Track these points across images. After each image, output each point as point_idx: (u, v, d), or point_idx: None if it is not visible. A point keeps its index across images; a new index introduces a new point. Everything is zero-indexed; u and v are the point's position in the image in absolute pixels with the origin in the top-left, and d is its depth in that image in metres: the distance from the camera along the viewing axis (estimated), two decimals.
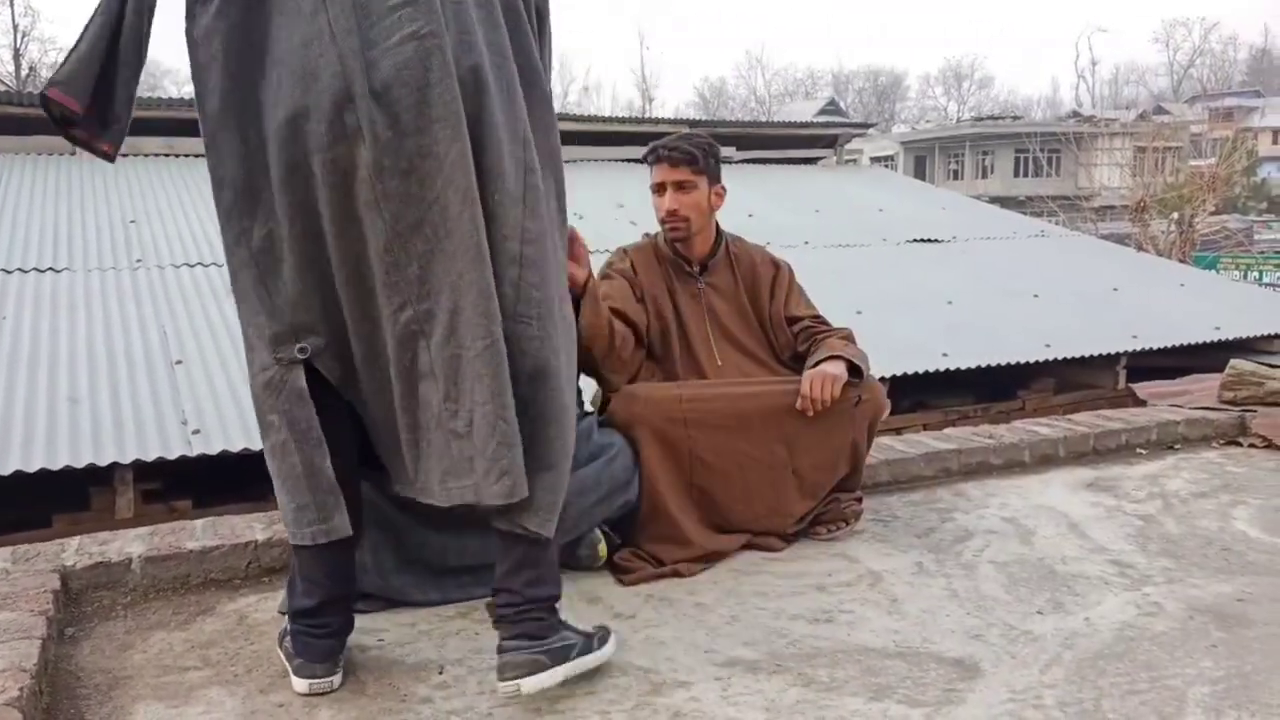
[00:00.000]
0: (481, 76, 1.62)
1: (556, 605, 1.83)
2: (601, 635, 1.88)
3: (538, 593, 1.78)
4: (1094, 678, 1.86)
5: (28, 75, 33.34)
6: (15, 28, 34.51)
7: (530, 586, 1.78)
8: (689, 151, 2.72)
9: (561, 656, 1.76)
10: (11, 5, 34.16)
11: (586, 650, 1.81)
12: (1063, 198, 24.16)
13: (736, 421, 2.54)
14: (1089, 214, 23.55)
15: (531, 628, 1.76)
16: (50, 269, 6.22)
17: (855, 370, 2.62)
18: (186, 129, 7.94)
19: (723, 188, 2.83)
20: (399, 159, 1.57)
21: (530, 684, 1.72)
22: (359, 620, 2.12)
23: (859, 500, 2.73)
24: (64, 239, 6.65)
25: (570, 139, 10.09)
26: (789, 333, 2.84)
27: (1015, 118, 44.73)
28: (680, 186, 2.74)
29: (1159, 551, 2.56)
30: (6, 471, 4.08)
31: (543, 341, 1.71)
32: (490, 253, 1.64)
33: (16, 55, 34.37)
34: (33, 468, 4.15)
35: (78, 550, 2.34)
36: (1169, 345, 7.12)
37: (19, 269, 6.14)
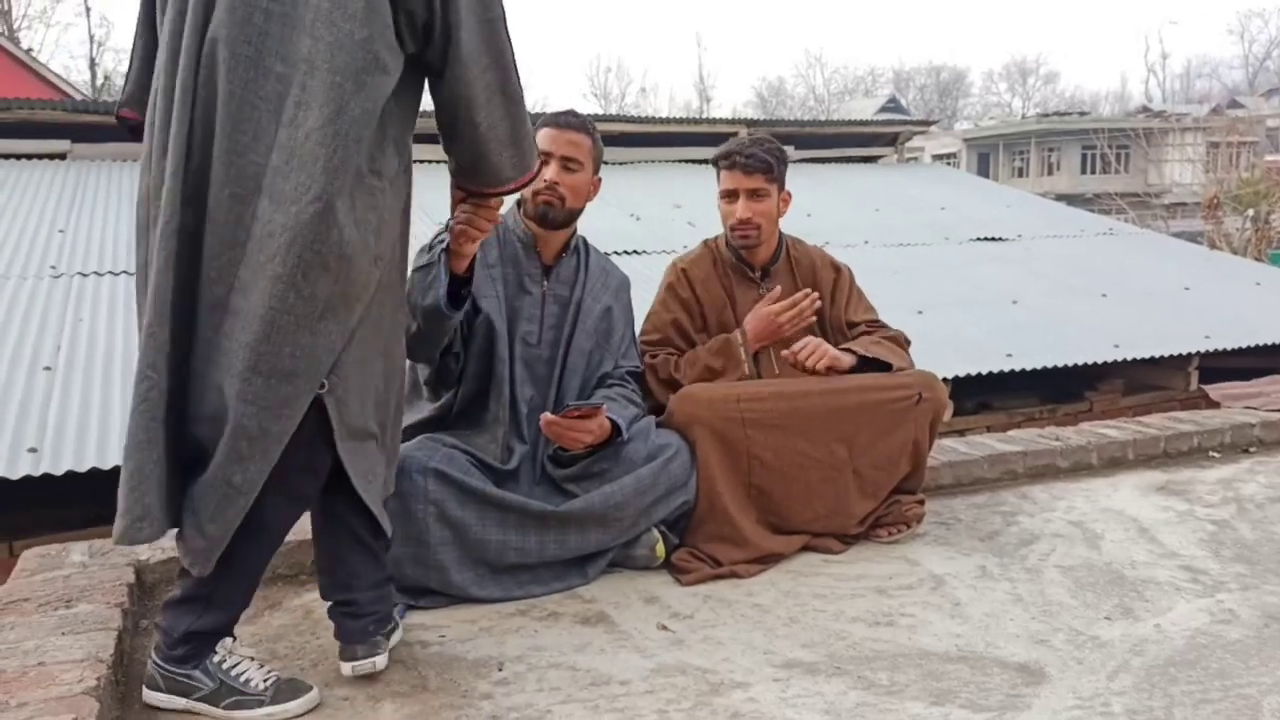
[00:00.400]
0: (208, 121, 1.60)
1: (203, 649, 1.75)
2: (239, 701, 1.73)
3: (170, 614, 1.76)
4: (1165, 685, 1.82)
5: (103, 84, 34.41)
6: (91, 38, 35.72)
7: (172, 601, 1.77)
8: (764, 159, 2.69)
9: (172, 687, 1.75)
10: (88, 17, 35.30)
11: (205, 698, 1.74)
12: (1132, 195, 23.62)
13: (795, 421, 2.53)
14: (1159, 211, 22.99)
15: (160, 633, 1.77)
16: (125, 272, 6.40)
17: (871, 364, 2.63)
18: None
19: (789, 194, 2.80)
20: (152, 195, 1.64)
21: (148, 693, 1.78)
22: (421, 617, 2.16)
23: (921, 502, 2.69)
24: None
25: (627, 140, 10.19)
26: (848, 338, 2.81)
27: (1082, 113, 43.78)
28: (754, 194, 2.70)
29: (1233, 557, 2.49)
30: (83, 469, 4.21)
31: (220, 392, 1.61)
32: (196, 296, 1.62)
33: (92, 65, 35.50)
34: (107, 465, 4.28)
35: (151, 545, 2.40)
36: (1243, 346, 6.89)
37: (94, 272, 6.33)
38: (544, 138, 2.47)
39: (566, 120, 2.52)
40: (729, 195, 2.74)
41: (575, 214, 2.54)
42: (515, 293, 2.50)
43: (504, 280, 2.49)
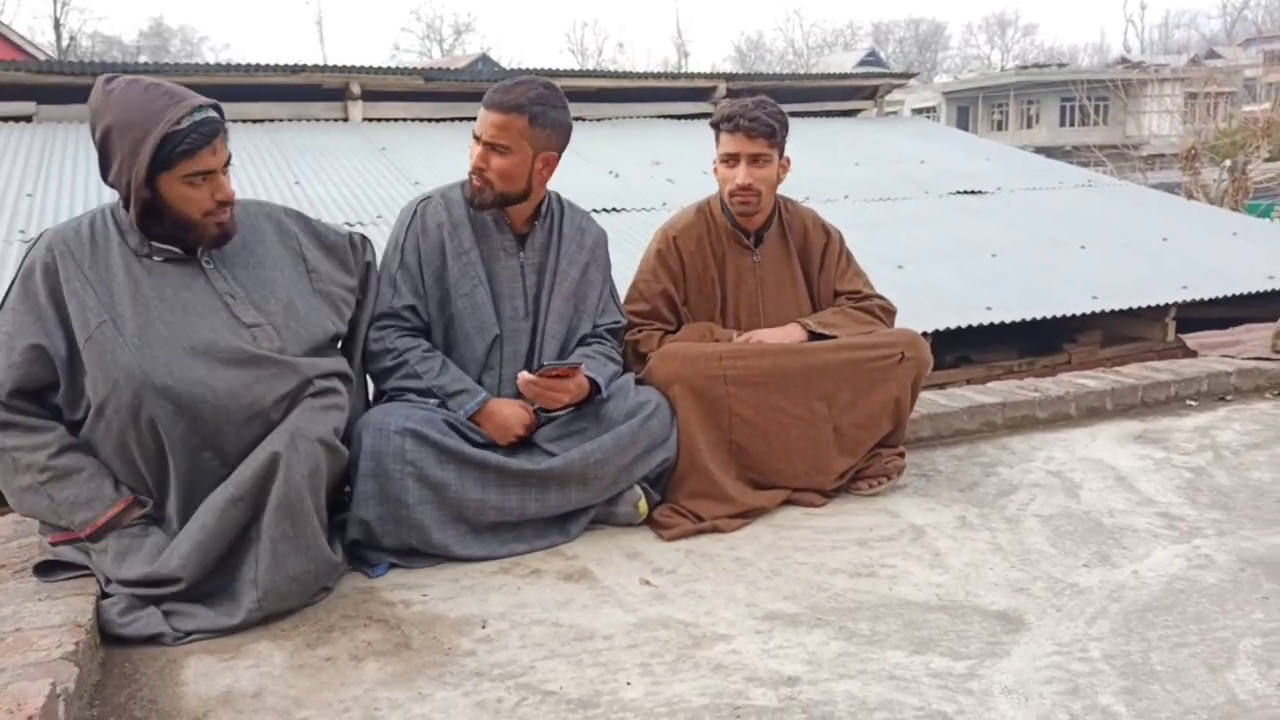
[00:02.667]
0: None
1: None
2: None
3: None
4: (1142, 630, 1.84)
5: (69, 45, 33.72)
6: None
7: None
8: (768, 123, 2.62)
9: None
10: None
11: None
12: (1111, 147, 23.64)
13: (776, 378, 2.52)
14: (1138, 163, 23.02)
15: None
16: None
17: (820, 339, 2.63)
18: (232, 94, 7.99)
19: (788, 160, 2.75)
20: None
21: None
22: (404, 576, 2.15)
23: (901, 455, 2.70)
24: None
25: (605, 96, 10.08)
26: (832, 305, 2.80)
27: (1061, 65, 43.63)
28: (755, 160, 2.64)
29: (1210, 504, 2.52)
30: None
31: None
32: None
33: (57, 25, 34.74)
34: None
35: None
36: (1220, 295, 6.95)
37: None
38: (479, 114, 2.41)
39: (499, 99, 2.38)
40: (729, 159, 2.66)
41: (514, 196, 2.43)
42: (494, 269, 2.46)
43: (482, 259, 2.45)
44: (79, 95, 8.06)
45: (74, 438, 2.01)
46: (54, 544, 2.00)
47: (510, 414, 2.36)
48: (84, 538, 1.97)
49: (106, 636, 1.85)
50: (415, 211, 2.48)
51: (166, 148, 1.93)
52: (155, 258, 2.05)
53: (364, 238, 2.39)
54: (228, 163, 2.05)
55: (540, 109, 2.39)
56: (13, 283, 2.03)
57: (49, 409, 2.01)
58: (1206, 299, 6.91)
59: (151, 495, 2.01)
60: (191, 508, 1.95)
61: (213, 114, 2.00)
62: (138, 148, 1.93)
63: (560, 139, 2.46)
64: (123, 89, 1.98)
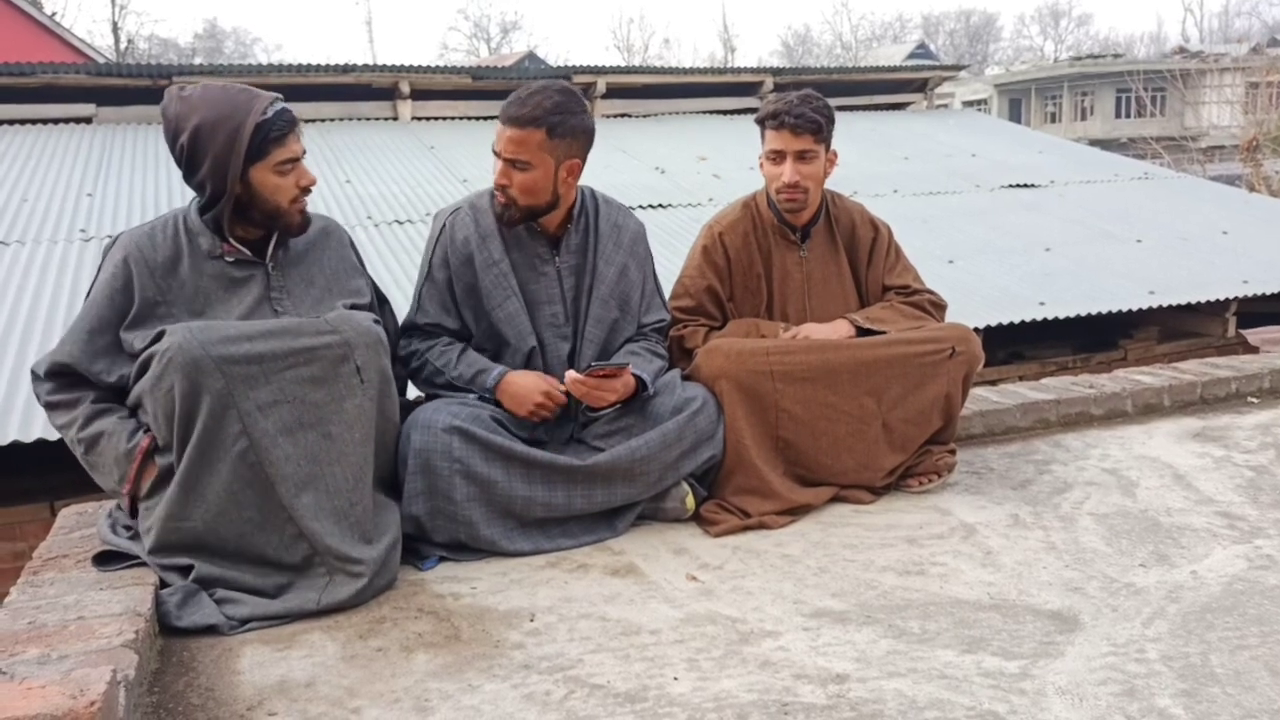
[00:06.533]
0: None
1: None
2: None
3: None
4: (1201, 631, 1.80)
5: (126, 47, 34.49)
6: (113, 2, 35.63)
7: None
8: (814, 119, 2.60)
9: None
10: None
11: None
12: (1168, 138, 23.13)
13: (824, 374, 2.50)
14: (1196, 155, 22.49)
15: None
16: None
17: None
18: (285, 94, 8.09)
19: (835, 154, 2.72)
20: None
21: None
22: (453, 569, 2.17)
23: (952, 452, 2.66)
24: (164, 205, 6.87)
25: (651, 92, 10.06)
26: (882, 300, 2.77)
27: (1117, 55, 42.80)
28: (802, 156, 2.62)
29: (1272, 503, 2.45)
30: None
31: None
32: None
33: (115, 28, 35.53)
34: None
35: None
36: None
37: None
38: (496, 129, 2.37)
39: (514, 113, 2.33)
40: (775, 156, 2.64)
41: (541, 209, 2.41)
42: (529, 277, 2.45)
43: (515, 269, 2.44)
44: (137, 97, 8.23)
45: (100, 404, 2.09)
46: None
47: (525, 384, 2.36)
48: (126, 495, 2.04)
49: (164, 627, 1.89)
50: (444, 225, 2.48)
51: (258, 136, 2.05)
52: (228, 259, 2.14)
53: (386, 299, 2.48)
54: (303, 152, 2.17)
55: (558, 119, 2.33)
56: (94, 281, 2.20)
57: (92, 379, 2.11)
58: (1268, 294, 6.73)
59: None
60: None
61: (287, 105, 2.12)
62: (233, 139, 2.03)
63: (583, 145, 2.41)
64: (201, 92, 2.09)
